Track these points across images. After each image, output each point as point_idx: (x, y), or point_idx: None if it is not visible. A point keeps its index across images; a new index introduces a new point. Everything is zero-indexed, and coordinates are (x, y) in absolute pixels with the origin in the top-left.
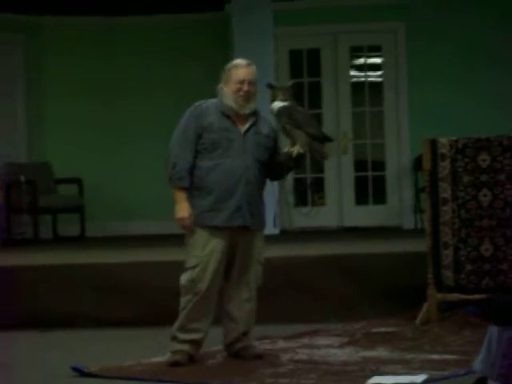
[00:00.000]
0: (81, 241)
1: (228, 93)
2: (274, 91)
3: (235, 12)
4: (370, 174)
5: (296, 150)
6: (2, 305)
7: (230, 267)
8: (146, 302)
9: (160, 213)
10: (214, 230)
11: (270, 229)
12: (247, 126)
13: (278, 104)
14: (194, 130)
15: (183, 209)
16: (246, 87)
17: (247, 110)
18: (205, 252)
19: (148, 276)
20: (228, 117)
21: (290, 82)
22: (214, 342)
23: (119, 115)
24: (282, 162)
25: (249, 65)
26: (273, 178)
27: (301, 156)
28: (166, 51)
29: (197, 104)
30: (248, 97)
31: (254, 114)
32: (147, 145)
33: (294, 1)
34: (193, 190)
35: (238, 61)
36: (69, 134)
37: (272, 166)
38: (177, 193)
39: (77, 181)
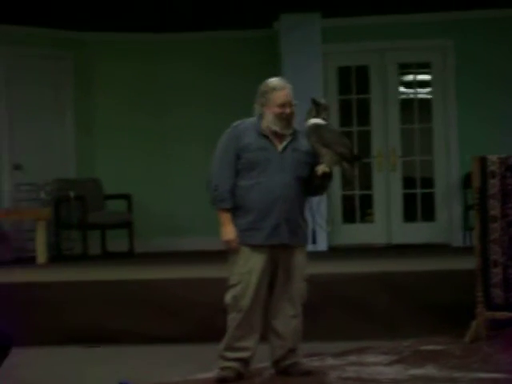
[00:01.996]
0: (129, 257)
1: (269, 116)
2: (311, 108)
3: (284, 29)
4: (418, 191)
5: (321, 168)
6: (50, 320)
7: (274, 283)
8: (193, 318)
9: (208, 229)
10: (255, 247)
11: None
12: (284, 143)
13: (310, 122)
14: (232, 150)
15: (229, 231)
16: (288, 110)
17: (290, 131)
18: (246, 269)
19: (196, 292)
20: (266, 136)
21: (323, 100)
22: (262, 359)
23: (168, 131)
24: (310, 180)
25: (286, 86)
26: (309, 195)
27: (326, 175)
28: (215, 67)
29: (234, 125)
30: (289, 118)
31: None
32: (196, 160)
33: (342, 18)
34: (233, 209)
35: (275, 82)
36: (118, 150)
37: (307, 182)
38: (221, 215)
39: (126, 197)
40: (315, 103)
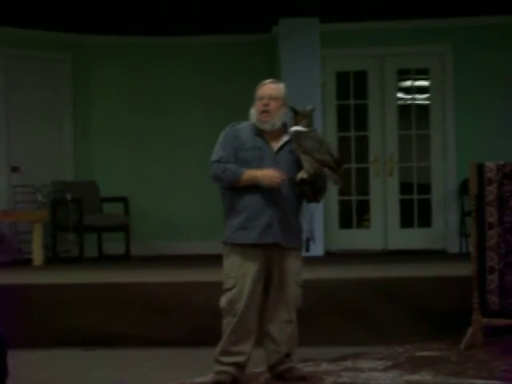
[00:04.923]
0: (125, 260)
1: (253, 111)
2: (295, 116)
3: (282, 34)
4: (415, 196)
5: (300, 175)
6: (47, 322)
7: (268, 288)
8: (188, 321)
9: (205, 233)
10: (248, 249)
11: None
12: (280, 144)
13: (291, 129)
14: (230, 147)
15: (262, 173)
16: (265, 101)
17: (268, 126)
18: (240, 273)
19: (191, 296)
20: (261, 136)
21: (309, 107)
22: (257, 363)
23: (167, 134)
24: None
25: (272, 82)
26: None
27: (305, 181)
28: (214, 71)
29: (231, 124)
30: (268, 111)
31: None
32: (193, 164)
33: (341, 23)
34: (226, 209)
35: (265, 80)
36: (116, 153)
37: None
38: (245, 179)
39: (122, 199)
40: (294, 111)
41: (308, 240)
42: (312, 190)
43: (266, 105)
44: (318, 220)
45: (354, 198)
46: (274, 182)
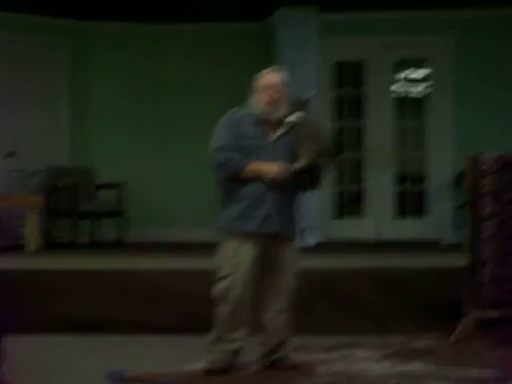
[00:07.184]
0: (119, 246)
1: (256, 100)
2: (292, 105)
3: (281, 22)
4: (410, 187)
5: (297, 164)
6: (39, 308)
7: (263, 277)
8: (182, 309)
9: (200, 220)
10: (244, 238)
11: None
12: (278, 133)
13: (288, 119)
14: (232, 135)
15: (269, 166)
16: (271, 92)
17: (274, 116)
18: (236, 260)
19: (185, 284)
20: (260, 125)
21: (307, 96)
22: (250, 352)
23: (162, 121)
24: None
25: (275, 71)
26: (297, 190)
27: (302, 171)
28: (210, 58)
29: (231, 112)
30: (273, 101)
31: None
32: (190, 151)
33: (340, 13)
34: (224, 196)
35: (268, 69)
36: (111, 139)
37: None
38: (249, 171)
39: (117, 186)
40: (291, 100)
41: (301, 231)
42: (309, 178)
43: (273, 95)
44: (312, 210)
45: (348, 187)
46: (278, 178)
